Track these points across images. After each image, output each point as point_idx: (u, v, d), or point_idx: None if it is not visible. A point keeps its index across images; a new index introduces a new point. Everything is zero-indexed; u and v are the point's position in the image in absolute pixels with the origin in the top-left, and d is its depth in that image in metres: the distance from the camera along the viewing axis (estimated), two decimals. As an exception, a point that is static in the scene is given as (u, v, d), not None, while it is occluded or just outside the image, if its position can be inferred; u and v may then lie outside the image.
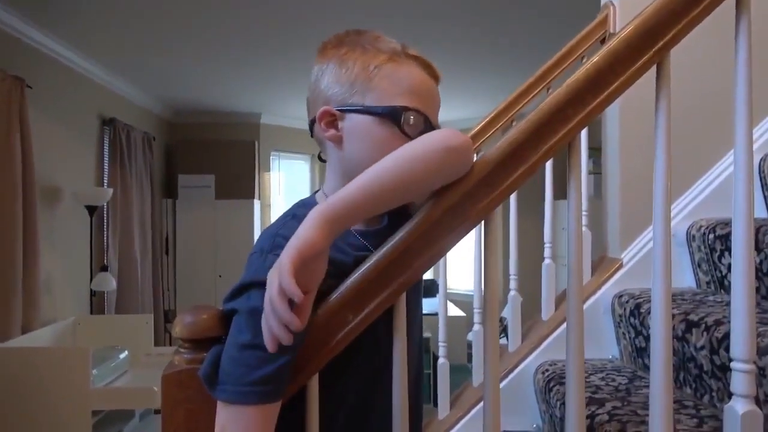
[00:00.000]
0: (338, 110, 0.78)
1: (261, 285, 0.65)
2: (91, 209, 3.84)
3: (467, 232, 0.73)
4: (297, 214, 0.76)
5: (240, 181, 5.77)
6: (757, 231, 1.23)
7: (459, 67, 4.31)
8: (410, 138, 0.75)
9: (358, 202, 0.66)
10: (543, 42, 3.64)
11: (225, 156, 5.78)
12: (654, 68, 0.75)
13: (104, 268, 3.95)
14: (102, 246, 4.22)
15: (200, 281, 5.60)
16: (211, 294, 5.59)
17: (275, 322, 0.60)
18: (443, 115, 0.91)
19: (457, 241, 0.72)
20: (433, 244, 0.71)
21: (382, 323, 0.72)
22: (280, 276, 0.59)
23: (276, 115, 6.09)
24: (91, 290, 3.98)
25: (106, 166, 4.35)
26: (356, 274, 0.70)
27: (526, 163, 0.72)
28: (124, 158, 4.48)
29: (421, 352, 0.94)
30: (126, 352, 3.42)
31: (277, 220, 0.80)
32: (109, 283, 3.90)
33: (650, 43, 0.74)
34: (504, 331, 5.11)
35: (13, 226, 3.02)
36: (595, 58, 0.74)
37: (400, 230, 0.71)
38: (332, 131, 0.78)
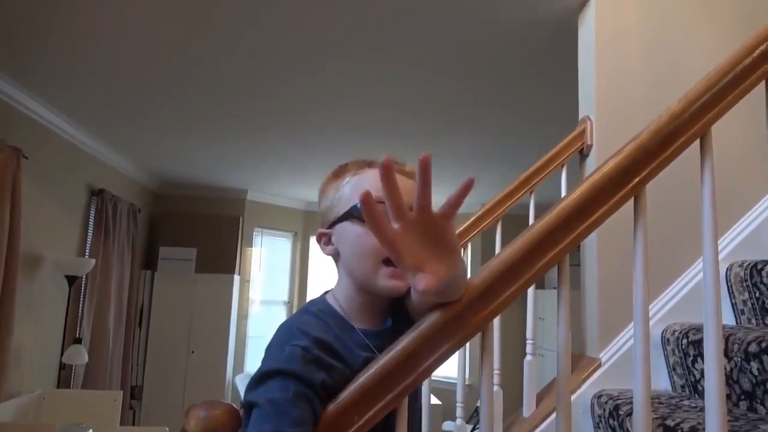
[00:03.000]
0: (327, 229, 0.92)
1: (279, 373, 0.72)
2: (71, 279, 3.80)
3: (467, 341, 0.79)
4: (310, 309, 0.88)
5: (221, 255, 5.78)
6: (727, 339, 1.32)
7: (440, 161, 4.52)
8: None
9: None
10: (520, 142, 3.88)
11: (208, 230, 5.80)
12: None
13: (78, 341, 3.86)
14: (77, 317, 4.14)
15: (172, 356, 5.46)
16: (181, 371, 5.43)
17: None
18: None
19: (458, 349, 0.79)
20: (436, 350, 0.77)
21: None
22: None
23: (262, 193, 6.20)
24: (61, 363, 3.87)
25: (89, 237, 4.35)
26: (363, 376, 0.76)
27: (521, 279, 0.80)
28: (109, 229, 4.49)
29: None
30: (90, 431, 3.29)
31: (293, 316, 0.89)
32: (81, 355, 3.80)
33: (628, 179, 0.84)
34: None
35: (-9, 294, 2.98)
36: (580, 190, 0.84)
37: (405, 335, 0.77)
38: (329, 247, 0.92)
